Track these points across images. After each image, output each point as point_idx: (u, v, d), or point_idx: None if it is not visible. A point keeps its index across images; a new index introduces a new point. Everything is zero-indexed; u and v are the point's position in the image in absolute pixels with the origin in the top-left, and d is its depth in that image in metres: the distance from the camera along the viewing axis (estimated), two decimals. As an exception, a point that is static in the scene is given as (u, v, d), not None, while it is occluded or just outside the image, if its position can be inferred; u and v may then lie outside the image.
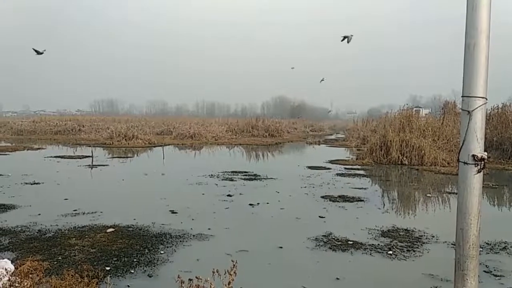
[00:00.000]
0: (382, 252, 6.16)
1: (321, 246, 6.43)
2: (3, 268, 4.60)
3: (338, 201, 9.89)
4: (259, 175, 13.97)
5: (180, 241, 6.53)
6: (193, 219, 7.93)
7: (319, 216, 8.32)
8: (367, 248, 6.33)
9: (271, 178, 13.39)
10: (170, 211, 8.59)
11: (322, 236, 6.93)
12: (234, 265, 3.50)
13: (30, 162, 17.75)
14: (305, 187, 11.90)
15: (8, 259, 5.11)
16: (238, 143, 30.79)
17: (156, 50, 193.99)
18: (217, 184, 12.11)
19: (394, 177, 15.24)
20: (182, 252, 6.02)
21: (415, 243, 6.64)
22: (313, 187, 11.87)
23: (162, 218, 7.89)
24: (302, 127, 56.17)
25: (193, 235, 6.83)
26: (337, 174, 14.68)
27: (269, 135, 37.90)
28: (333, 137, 45.77)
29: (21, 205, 8.90)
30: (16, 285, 4.27)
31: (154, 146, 26.61)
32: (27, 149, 23.73)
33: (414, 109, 26.00)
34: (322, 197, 10.37)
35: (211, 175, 13.97)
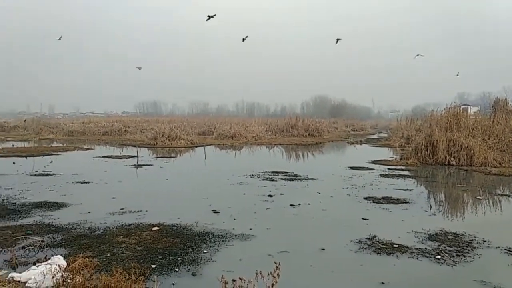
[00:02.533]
0: (430, 257, 5.92)
1: (365, 249, 6.29)
2: (56, 265, 4.87)
3: (382, 203, 9.63)
4: (300, 176, 13.88)
5: (223, 240, 6.61)
6: (235, 219, 8.00)
7: (362, 218, 8.14)
8: (413, 252, 6.11)
9: (312, 179, 13.27)
10: (213, 210, 8.72)
11: (366, 238, 6.78)
12: (277, 267, 3.49)
13: (80, 162, 18.64)
14: (347, 188, 11.69)
15: (61, 255, 5.40)
16: (277, 143, 30.76)
17: (197, 53, 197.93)
18: (257, 184, 12.16)
19: (441, 178, 14.63)
20: (224, 252, 6.09)
21: (465, 247, 6.33)
22: (356, 188, 11.64)
23: (204, 218, 8.02)
24: (343, 127, 55.31)
25: (235, 235, 6.90)
26: (381, 175, 14.30)
27: (309, 134, 37.62)
28: (375, 136, 44.70)
29: (72, 203, 9.36)
30: (68, 281, 4.50)
31: (196, 146, 27.14)
32: (77, 149, 24.95)
33: (462, 107, 24.87)
34: (365, 198, 10.14)
35: (252, 175, 14.05)
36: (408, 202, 9.75)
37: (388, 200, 9.91)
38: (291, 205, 9.29)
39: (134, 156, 19.22)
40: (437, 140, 18.02)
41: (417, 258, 5.87)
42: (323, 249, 6.25)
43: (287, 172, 14.62)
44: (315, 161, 21.40)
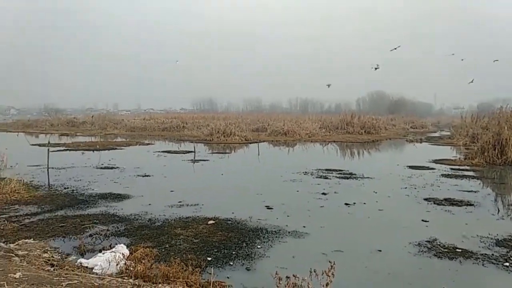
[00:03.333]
0: (497, 264, 5.55)
1: (425, 252, 6.02)
2: (120, 253, 5.18)
3: (444, 205, 9.15)
4: (355, 174, 13.57)
5: (276, 237, 6.65)
6: (288, 216, 8.01)
7: (422, 220, 7.79)
8: (478, 258, 5.76)
9: (368, 177, 12.91)
10: (266, 206, 8.78)
11: (426, 241, 6.49)
12: (332, 266, 3.45)
13: (141, 156, 19.57)
14: (406, 188, 11.24)
15: (124, 244, 5.73)
16: (332, 140, 30.25)
17: (251, 51, 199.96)
18: (311, 182, 12.06)
19: (511, 179, 13.60)
20: (278, 248, 6.12)
21: (538, 256, 5.85)
22: (415, 188, 11.15)
23: (258, 213, 8.11)
24: (401, 124, 53.10)
25: (289, 232, 6.90)
26: (442, 175, 13.58)
27: (365, 132, 36.53)
28: (436, 134, 42.44)
29: (134, 195, 9.88)
30: (131, 269, 4.76)
31: (250, 143, 27.44)
32: (139, 144, 26.23)
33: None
34: (425, 199, 9.69)
35: (305, 172, 13.95)
36: (472, 204, 9.19)
37: (451, 201, 9.40)
38: (346, 204, 9.12)
39: (191, 152, 19.85)
40: (506, 139, 16.78)
41: (483, 265, 5.52)
42: (380, 251, 6.07)
43: (341, 170, 14.35)
44: (371, 159, 20.80)
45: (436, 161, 17.39)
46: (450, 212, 8.51)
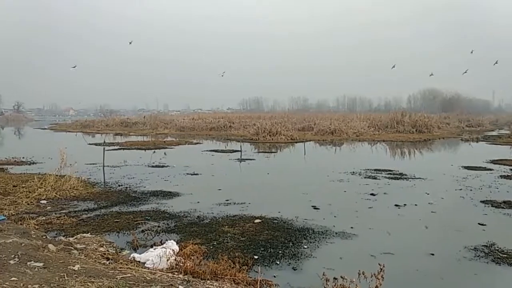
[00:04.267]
0: None
1: (481, 257, 5.70)
2: (170, 249, 5.35)
3: (503, 208, 8.61)
4: (406, 174, 13.09)
5: (323, 237, 6.58)
6: (335, 216, 7.90)
7: (479, 223, 7.38)
8: (543, 266, 5.36)
9: (420, 178, 12.41)
10: (312, 206, 8.71)
11: (483, 246, 6.14)
12: (381, 268, 3.37)
13: (190, 155, 20.10)
14: (461, 189, 10.70)
15: (174, 240, 5.92)
16: (381, 140, 29.40)
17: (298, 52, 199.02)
18: (359, 182, 11.80)
19: None
20: (325, 249, 6.06)
21: None
22: (471, 189, 10.58)
23: (304, 213, 8.06)
24: (455, 122, 50.44)
25: (336, 233, 6.80)
26: (501, 176, 12.78)
27: (416, 131, 35.10)
28: (494, 133, 39.97)
29: (183, 193, 10.17)
30: (181, 264, 4.91)
31: (296, 142, 27.31)
32: (188, 144, 26.96)
33: None
34: (482, 201, 9.16)
35: (353, 172, 13.67)
36: (536, 208, 8.57)
37: (510, 204, 8.83)
38: (396, 205, 8.83)
39: (238, 151, 20.10)
40: None
41: (548, 273, 5.14)
42: (432, 254, 5.83)
43: (391, 171, 13.91)
44: (423, 159, 19.97)
45: (494, 162, 16.39)
46: (510, 216, 8.01)
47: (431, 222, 7.66)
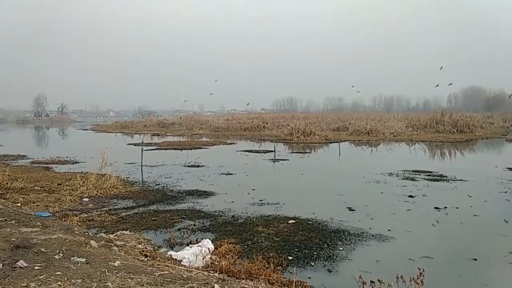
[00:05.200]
0: None
1: (529, 264, 5.41)
2: (206, 247, 5.43)
3: (553, 212, 8.13)
4: (446, 176, 12.62)
5: (359, 239, 6.46)
6: (371, 218, 7.73)
7: (526, 228, 7.01)
8: None
9: (461, 180, 11.93)
10: (348, 208, 8.58)
11: (530, 252, 5.82)
12: (421, 273, 3.26)
13: (224, 155, 20.32)
14: (506, 192, 10.19)
15: (209, 239, 6.00)
16: (419, 140, 28.49)
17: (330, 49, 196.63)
18: (396, 184, 11.49)
19: None
20: (361, 251, 5.94)
21: None
22: (517, 192, 10.06)
23: (340, 214, 7.94)
24: (500, 122, 48.07)
25: (372, 235, 6.66)
26: (551, 179, 12.06)
27: (457, 131, 33.73)
28: (544, 133, 37.74)
29: (218, 192, 10.29)
30: (216, 263, 4.97)
31: (331, 142, 26.97)
32: (222, 144, 27.26)
33: None
34: (530, 205, 8.70)
35: (390, 173, 13.34)
36: None
37: (562, 209, 8.32)
38: (436, 207, 8.53)
39: (272, 151, 20.09)
40: None
41: None
42: (475, 259, 5.59)
43: (430, 172, 13.45)
44: (464, 160, 19.18)
45: (543, 163, 15.50)
46: (561, 221, 7.54)
47: (473, 226, 7.36)
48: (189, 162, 16.40)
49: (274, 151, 19.73)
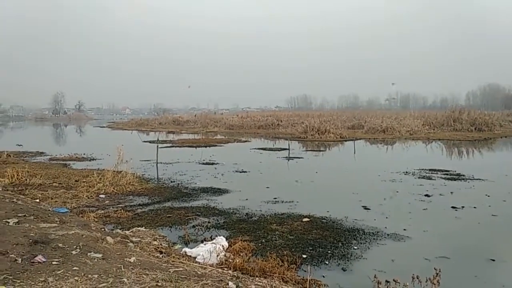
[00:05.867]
0: None
1: (550, 266, 5.28)
2: (220, 245, 5.45)
3: None
4: (463, 175, 12.40)
5: (374, 238, 6.40)
6: (387, 217, 7.65)
7: (547, 229, 6.84)
8: None
9: (479, 179, 11.70)
10: (363, 206, 8.50)
11: (551, 253, 5.69)
12: (437, 273, 3.22)
13: (238, 153, 20.35)
14: (526, 192, 9.97)
15: (224, 236, 6.02)
16: (436, 138, 28.05)
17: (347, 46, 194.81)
18: (412, 183, 11.34)
19: None
20: (375, 250, 5.89)
21: None
22: (538, 192, 9.83)
23: (354, 213, 7.88)
24: (520, 120, 46.96)
25: (387, 234, 6.59)
26: None
27: (475, 129, 33.07)
28: None
29: (232, 190, 10.32)
30: (230, 260, 4.99)
31: (345, 140, 26.77)
32: (236, 142, 27.33)
33: None
34: (551, 206, 8.49)
35: (406, 172, 13.17)
36: None
37: None
38: (453, 207, 8.39)
39: (286, 149, 20.04)
40: None
41: None
42: (493, 260, 5.48)
43: (447, 171, 13.23)
44: (483, 159, 18.81)
45: None
46: None
47: (491, 226, 7.22)
48: (204, 160, 16.49)
49: (289, 149, 19.68)
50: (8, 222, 4.86)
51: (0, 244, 3.88)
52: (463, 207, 8.40)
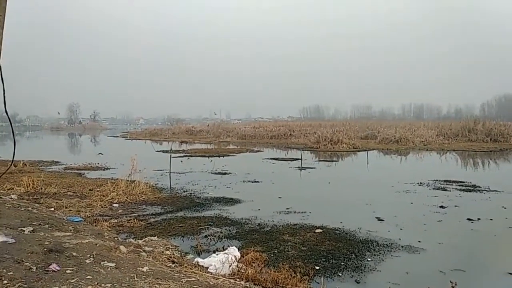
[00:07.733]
0: None
1: None
2: (232, 255, 5.44)
3: None
4: (479, 186, 12.18)
5: (388, 250, 6.31)
6: (401, 229, 7.55)
7: None
8: None
9: (495, 191, 11.48)
10: (376, 218, 8.41)
11: None
12: (453, 286, 3.16)
13: (251, 163, 20.34)
14: (544, 204, 9.73)
15: (236, 246, 6.01)
16: (451, 149, 27.68)
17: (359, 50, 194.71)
18: (427, 194, 11.18)
19: None
20: (390, 262, 5.80)
21: None
22: (556, 205, 9.59)
23: (368, 224, 7.79)
24: (538, 130, 46.06)
25: (402, 246, 6.49)
26: None
27: (491, 140, 32.55)
28: None
29: (245, 200, 10.32)
30: (242, 271, 4.97)
31: (358, 151, 26.59)
32: (249, 151, 27.35)
33: None
34: None
35: (420, 183, 13.00)
36: None
37: None
38: (469, 219, 8.24)
39: (298, 159, 20.00)
40: None
41: None
42: (510, 273, 5.35)
43: (463, 182, 13.02)
44: (499, 170, 18.47)
45: None
46: None
47: (508, 238, 7.06)
48: (216, 169, 16.53)
49: (301, 159, 19.63)
50: (24, 231, 4.94)
51: (15, 252, 3.94)
52: (479, 219, 8.24)
